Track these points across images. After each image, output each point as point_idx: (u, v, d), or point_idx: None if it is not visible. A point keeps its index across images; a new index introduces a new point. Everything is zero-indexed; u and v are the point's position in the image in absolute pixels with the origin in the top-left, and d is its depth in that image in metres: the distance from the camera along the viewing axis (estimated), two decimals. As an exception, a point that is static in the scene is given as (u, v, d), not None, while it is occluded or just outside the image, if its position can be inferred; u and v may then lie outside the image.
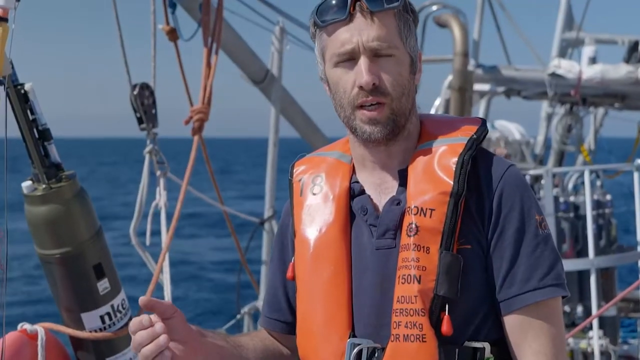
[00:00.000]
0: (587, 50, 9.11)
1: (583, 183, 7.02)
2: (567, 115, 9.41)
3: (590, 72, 8.41)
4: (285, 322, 2.30)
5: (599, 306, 6.33)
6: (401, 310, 1.99)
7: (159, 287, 4.22)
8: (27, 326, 3.58)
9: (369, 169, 2.15)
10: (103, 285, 3.70)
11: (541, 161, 10.11)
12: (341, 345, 2.06)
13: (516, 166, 2.12)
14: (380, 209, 2.10)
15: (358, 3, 2.02)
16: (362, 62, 2.00)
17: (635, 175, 7.05)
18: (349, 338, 2.06)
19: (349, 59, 2.02)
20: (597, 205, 7.32)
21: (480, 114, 10.61)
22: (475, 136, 2.08)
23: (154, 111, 4.60)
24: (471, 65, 8.40)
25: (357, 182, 2.16)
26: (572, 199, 7.36)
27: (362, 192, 2.14)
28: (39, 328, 3.59)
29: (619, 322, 7.49)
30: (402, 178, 2.10)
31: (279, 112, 6.15)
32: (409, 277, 1.99)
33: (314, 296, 2.12)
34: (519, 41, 10.18)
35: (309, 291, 2.14)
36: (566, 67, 8.56)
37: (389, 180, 2.13)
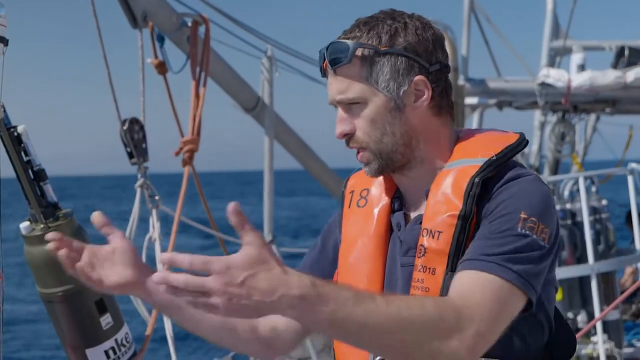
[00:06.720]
0: (575, 58, 9.16)
1: (578, 190, 7.06)
2: (560, 123, 9.43)
3: (579, 80, 8.46)
4: None
5: (602, 310, 6.36)
6: None
7: (160, 319, 4.25)
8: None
9: (404, 187, 2.21)
10: (106, 320, 3.73)
11: (537, 170, 10.14)
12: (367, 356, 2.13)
13: (529, 177, 2.05)
14: None
15: (326, 62, 2.12)
16: (337, 114, 2.13)
17: (629, 178, 7.11)
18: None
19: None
20: (594, 211, 7.35)
21: (474, 127, 10.67)
22: (495, 157, 2.06)
23: (144, 145, 4.65)
24: (461, 80, 8.46)
25: (399, 197, 2.21)
26: (568, 206, 7.38)
27: (401, 207, 2.19)
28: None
29: (622, 325, 7.50)
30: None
31: (273, 138, 6.22)
32: None
33: None
34: (508, 52, 10.24)
35: None
36: (555, 76, 8.61)
37: (420, 199, 2.16)
